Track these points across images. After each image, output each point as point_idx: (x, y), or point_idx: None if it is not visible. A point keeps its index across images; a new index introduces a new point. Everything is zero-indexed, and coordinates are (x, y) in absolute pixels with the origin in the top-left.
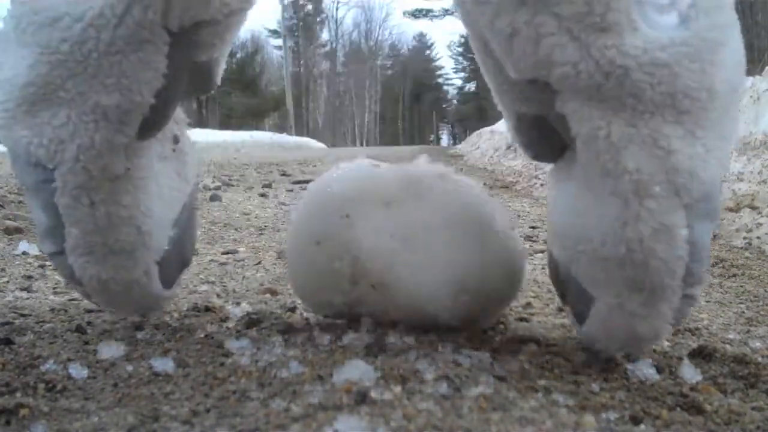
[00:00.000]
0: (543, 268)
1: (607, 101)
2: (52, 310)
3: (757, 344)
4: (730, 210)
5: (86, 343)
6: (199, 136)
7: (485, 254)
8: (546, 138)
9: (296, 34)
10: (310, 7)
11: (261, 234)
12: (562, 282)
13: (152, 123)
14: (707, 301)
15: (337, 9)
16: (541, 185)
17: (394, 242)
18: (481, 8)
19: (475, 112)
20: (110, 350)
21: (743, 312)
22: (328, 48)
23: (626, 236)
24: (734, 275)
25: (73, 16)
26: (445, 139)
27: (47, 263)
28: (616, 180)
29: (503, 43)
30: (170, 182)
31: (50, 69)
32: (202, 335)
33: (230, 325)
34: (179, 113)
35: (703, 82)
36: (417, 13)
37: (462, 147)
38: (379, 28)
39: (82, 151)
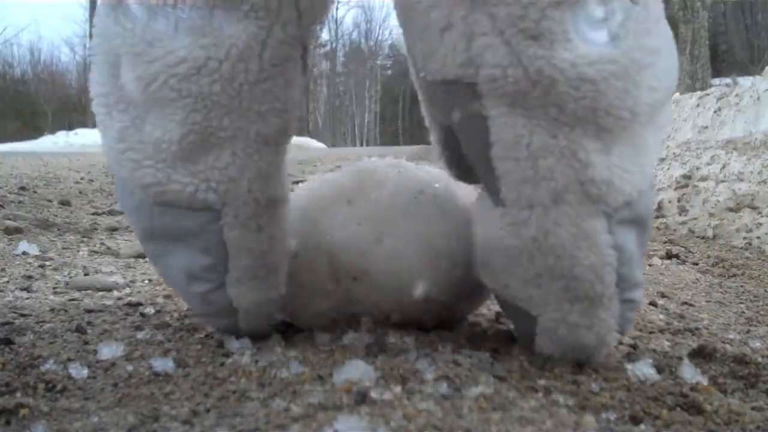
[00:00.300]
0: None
1: (530, 110)
2: (52, 310)
3: (757, 344)
4: (730, 210)
5: (86, 343)
6: None
7: (454, 221)
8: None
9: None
10: None
11: None
12: (504, 306)
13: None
14: (707, 301)
15: (337, 9)
16: None
17: (364, 229)
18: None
19: None
20: (110, 350)
21: (743, 312)
22: (328, 48)
23: (550, 244)
24: (734, 275)
25: (217, 58)
26: None
27: (47, 263)
28: (534, 188)
29: (434, 36)
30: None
31: (205, 114)
32: (202, 335)
33: None
34: None
35: (626, 101)
36: None
37: None
38: (379, 28)
39: (251, 182)
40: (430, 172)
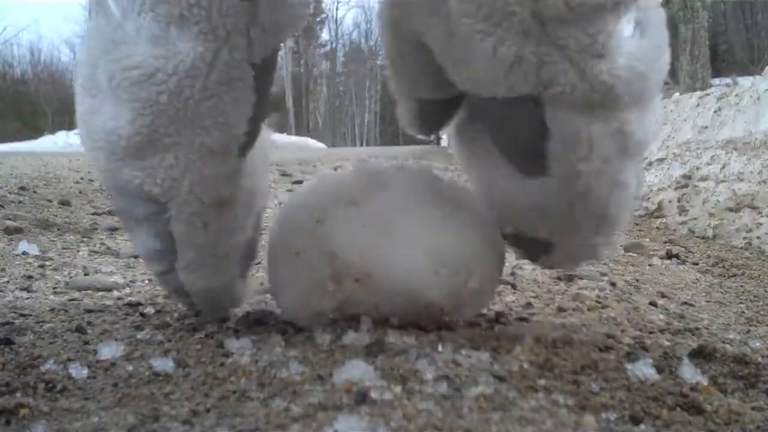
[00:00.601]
0: (543, 268)
1: (589, 107)
2: (52, 310)
3: (757, 344)
4: (730, 210)
5: (86, 343)
6: None
7: (457, 225)
8: (440, 116)
9: (296, 34)
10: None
11: (261, 234)
12: (513, 238)
13: (248, 143)
14: (707, 301)
15: (337, 9)
16: None
17: (367, 232)
18: (485, 41)
19: None
20: (110, 350)
21: (743, 312)
22: (328, 48)
23: (593, 198)
24: (734, 275)
25: (166, 71)
26: (445, 139)
27: (47, 263)
28: (587, 162)
29: (501, 69)
30: (260, 177)
31: (152, 119)
32: (202, 335)
33: (230, 325)
34: None
35: (658, 80)
36: None
37: None
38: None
39: (193, 185)
40: (438, 175)
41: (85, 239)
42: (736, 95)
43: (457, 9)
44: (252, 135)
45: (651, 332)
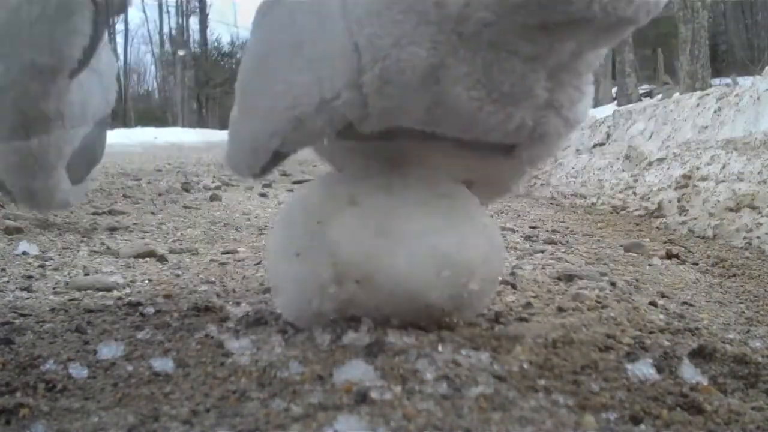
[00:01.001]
0: (543, 268)
1: (564, 138)
2: (52, 310)
3: (757, 344)
4: (730, 210)
5: (86, 343)
6: (199, 136)
7: (458, 225)
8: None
9: None
10: None
11: (261, 234)
12: None
13: (79, 68)
14: (707, 301)
15: None
16: (541, 185)
17: (368, 232)
18: (492, 116)
19: None
20: (110, 350)
21: (743, 312)
22: None
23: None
24: (734, 275)
25: None
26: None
27: (47, 263)
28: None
29: (500, 133)
30: (93, 92)
31: None
32: (202, 335)
33: (230, 325)
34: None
35: None
36: None
37: None
38: None
39: (18, 98)
40: (441, 177)
41: (85, 239)
42: (736, 95)
43: (465, 94)
44: (85, 62)
45: (651, 332)
